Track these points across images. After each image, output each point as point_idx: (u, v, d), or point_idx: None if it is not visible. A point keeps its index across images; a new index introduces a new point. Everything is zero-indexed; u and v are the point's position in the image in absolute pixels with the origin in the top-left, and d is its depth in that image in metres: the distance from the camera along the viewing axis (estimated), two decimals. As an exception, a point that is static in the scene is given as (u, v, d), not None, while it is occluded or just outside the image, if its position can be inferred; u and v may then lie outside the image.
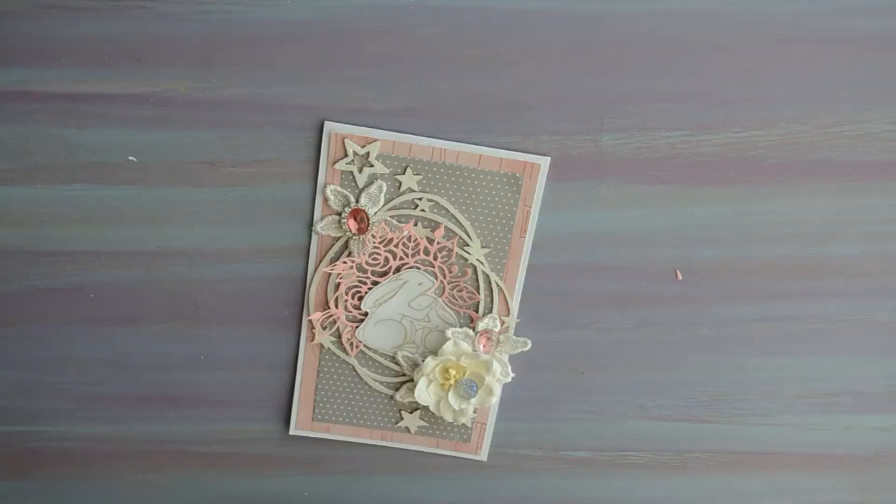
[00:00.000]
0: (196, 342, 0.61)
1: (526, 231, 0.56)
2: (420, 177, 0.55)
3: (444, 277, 0.58)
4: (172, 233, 0.58)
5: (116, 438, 0.65)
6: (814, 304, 0.59)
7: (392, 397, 0.62)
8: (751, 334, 0.60)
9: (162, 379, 0.63)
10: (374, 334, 0.60)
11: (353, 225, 0.56)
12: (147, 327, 0.61)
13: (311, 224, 0.57)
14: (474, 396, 0.59)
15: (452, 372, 0.59)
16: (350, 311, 0.59)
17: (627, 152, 0.55)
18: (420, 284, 0.58)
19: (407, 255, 0.57)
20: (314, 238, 0.57)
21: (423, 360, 0.60)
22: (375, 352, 0.61)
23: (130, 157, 0.56)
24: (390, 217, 0.56)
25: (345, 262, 0.58)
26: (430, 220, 0.57)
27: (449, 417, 0.60)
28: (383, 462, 0.66)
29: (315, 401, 0.62)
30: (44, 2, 0.51)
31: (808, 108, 0.53)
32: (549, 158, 0.55)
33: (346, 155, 0.55)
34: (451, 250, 0.57)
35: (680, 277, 0.58)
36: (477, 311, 0.59)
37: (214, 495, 0.67)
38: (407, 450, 0.65)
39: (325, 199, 0.56)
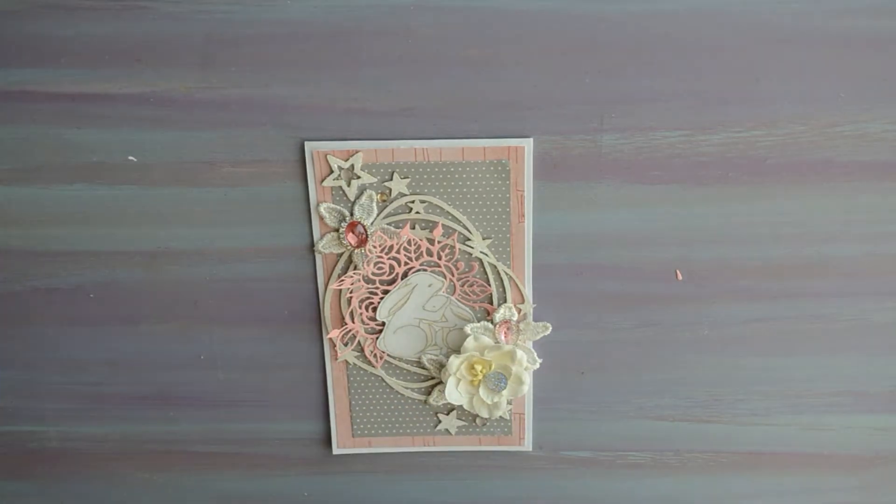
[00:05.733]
0: (196, 342, 0.61)
1: (524, 215, 0.56)
2: (408, 179, 0.55)
3: (453, 275, 0.58)
4: (172, 233, 0.58)
5: (116, 438, 0.65)
6: (814, 304, 0.59)
7: (426, 402, 0.62)
8: (751, 334, 0.60)
9: (162, 379, 0.63)
10: (395, 343, 0.60)
11: (352, 238, 0.56)
12: (147, 327, 0.61)
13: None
14: (505, 388, 0.59)
15: (478, 367, 0.59)
16: (367, 324, 0.59)
17: (627, 152, 0.55)
18: (430, 286, 0.58)
19: (411, 258, 0.57)
20: (318, 258, 0.58)
21: (448, 360, 0.60)
22: (400, 359, 0.61)
23: (130, 157, 0.56)
24: (387, 224, 0.56)
25: (351, 277, 0.58)
26: (428, 221, 0.57)
27: (484, 413, 0.60)
28: (382, 462, 0.66)
29: (352, 417, 0.62)
30: (44, 2, 0.51)
31: (808, 108, 0.53)
32: (531, 139, 0.54)
33: (331, 171, 0.55)
34: (453, 247, 0.57)
35: (680, 277, 0.58)
36: (491, 303, 0.59)
37: (214, 495, 0.67)
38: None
39: (321, 218, 0.56)
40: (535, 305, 0.59)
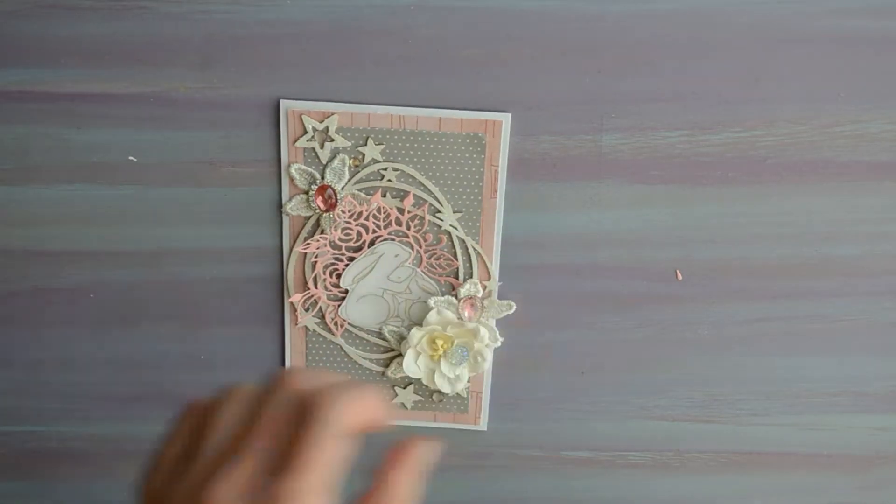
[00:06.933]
0: (196, 342, 0.61)
1: (496, 192, 0.56)
2: (382, 146, 0.55)
3: (420, 247, 0.57)
4: (172, 233, 0.58)
5: (116, 438, 0.65)
6: (814, 304, 0.59)
7: (384, 374, 0.62)
8: (751, 334, 0.60)
9: (162, 379, 0.63)
10: (357, 311, 0.59)
11: (321, 202, 0.56)
12: (147, 327, 0.61)
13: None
14: (466, 360, 0.59)
15: (440, 342, 0.58)
16: (330, 290, 0.59)
17: (627, 152, 0.55)
18: (396, 256, 0.57)
19: (379, 227, 0.57)
20: (285, 220, 0.57)
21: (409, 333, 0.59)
22: (361, 329, 0.60)
23: (130, 157, 0.56)
24: (357, 190, 0.56)
25: (317, 241, 0.57)
26: (399, 190, 0.56)
27: (446, 388, 0.59)
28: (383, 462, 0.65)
29: None
30: (44, 2, 0.51)
31: (808, 108, 0.53)
32: (510, 115, 0.54)
33: (305, 132, 0.55)
34: (422, 218, 0.57)
35: (680, 277, 0.58)
36: (457, 278, 0.58)
37: (214, 495, 0.67)
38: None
39: (291, 179, 0.56)
40: (500, 283, 0.58)
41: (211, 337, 0.61)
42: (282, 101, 0.54)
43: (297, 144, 0.55)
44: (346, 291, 0.59)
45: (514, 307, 0.59)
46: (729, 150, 0.55)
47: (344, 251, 0.58)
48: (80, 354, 0.62)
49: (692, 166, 0.55)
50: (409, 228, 0.57)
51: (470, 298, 0.58)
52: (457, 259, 0.58)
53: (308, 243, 0.57)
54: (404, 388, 0.62)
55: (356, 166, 0.55)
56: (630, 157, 0.55)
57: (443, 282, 0.58)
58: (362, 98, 0.54)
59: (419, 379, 0.60)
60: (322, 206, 0.56)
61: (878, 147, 0.54)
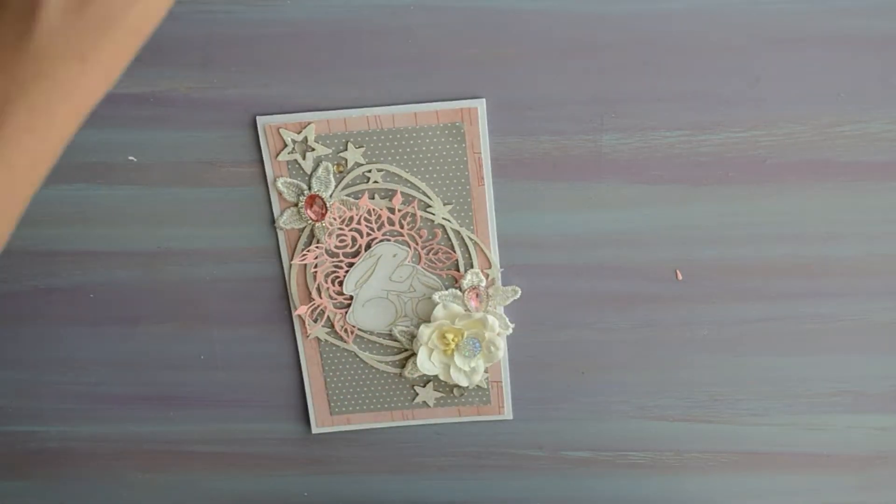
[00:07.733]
0: (196, 342, 0.61)
1: (483, 179, 0.55)
2: (363, 149, 0.55)
3: (417, 244, 0.57)
4: (172, 233, 0.58)
5: (116, 438, 0.65)
6: (814, 304, 0.59)
7: (401, 375, 0.62)
8: (751, 334, 0.60)
9: (162, 379, 0.63)
10: (364, 316, 0.59)
11: (311, 212, 0.56)
12: (147, 327, 0.61)
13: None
14: (480, 352, 0.59)
15: (450, 336, 0.58)
16: (334, 298, 0.59)
17: (627, 152, 0.55)
18: (395, 256, 0.57)
19: (373, 229, 0.57)
20: (280, 234, 0.57)
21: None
22: (371, 333, 0.60)
23: (130, 157, 0.56)
24: (346, 196, 0.56)
25: (314, 251, 0.57)
26: (386, 190, 0.56)
27: (463, 381, 0.59)
28: (383, 462, 0.66)
29: (328, 395, 0.62)
30: (44, 2, 0.51)
31: (808, 108, 0.53)
32: (484, 100, 0.54)
33: (285, 145, 0.55)
34: (414, 215, 0.56)
35: (680, 277, 0.58)
36: (458, 270, 0.58)
37: (214, 495, 0.67)
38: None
39: (280, 193, 0.56)
40: (502, 270, 0.58)
41: (211, 337, 0.61)
42: (258, 117, 0.54)
43: (280, 158, 0.55)
44: (351, 298, 0.59)
45: (520, 292, 0.58)
46: (729, 150, 0.55)
47: (342, 258, 0.58)
48: (80, 354, 0.62)
49: (692, 166, 0.55)
50: (402, 227, 0.57)
51: (474, 289, 0.58)
52: (455, 251, 0.58)
53: (304, 254, 0.57)
54: (423, 386, 0.62)
55: (340, 171, 0.55)
56: (630, 157, 0.55)
57: (445, 276, 0.58)
58: (366, 97, 0.54)
59: (437, 375, 0.60)
60: (313, 216, 0.56)
61: (878, 147, 0.54)
